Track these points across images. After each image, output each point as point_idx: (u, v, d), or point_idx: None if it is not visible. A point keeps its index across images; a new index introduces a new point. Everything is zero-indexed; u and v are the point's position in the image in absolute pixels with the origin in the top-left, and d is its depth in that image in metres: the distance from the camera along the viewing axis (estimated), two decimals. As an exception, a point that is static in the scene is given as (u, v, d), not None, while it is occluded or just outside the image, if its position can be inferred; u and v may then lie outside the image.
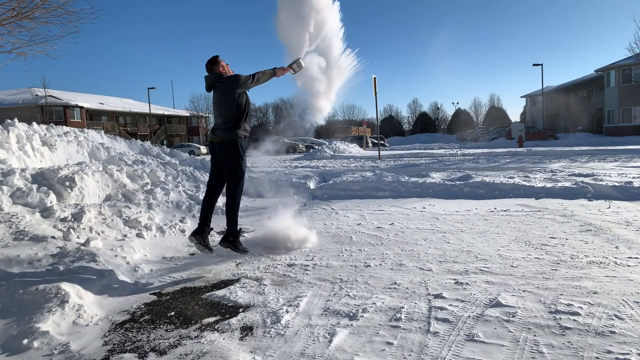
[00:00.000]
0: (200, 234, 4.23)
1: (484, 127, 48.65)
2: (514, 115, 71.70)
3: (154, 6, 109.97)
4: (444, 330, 2.69)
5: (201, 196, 7.04)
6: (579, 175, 9.45)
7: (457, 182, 8.64)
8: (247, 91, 4.33)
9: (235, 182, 4.23)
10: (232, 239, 4.22)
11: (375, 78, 18.24)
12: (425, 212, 6.54)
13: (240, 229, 4.39)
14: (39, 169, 6.13)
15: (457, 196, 7.90)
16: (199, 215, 6.28)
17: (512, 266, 3.82)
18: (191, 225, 5.85)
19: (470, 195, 7.87)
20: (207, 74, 4.28)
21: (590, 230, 4.99)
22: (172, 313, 3.20)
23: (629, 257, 3.90)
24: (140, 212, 5.64)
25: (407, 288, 3.43)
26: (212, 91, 4.33)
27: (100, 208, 5.34)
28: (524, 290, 3.24)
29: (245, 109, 4.28)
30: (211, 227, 4.35)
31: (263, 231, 5.34)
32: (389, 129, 63.36)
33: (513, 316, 2.82)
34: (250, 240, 5.03)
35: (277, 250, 4.73)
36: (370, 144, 37.07)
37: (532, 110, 51.26)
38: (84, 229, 4.76)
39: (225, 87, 4.19)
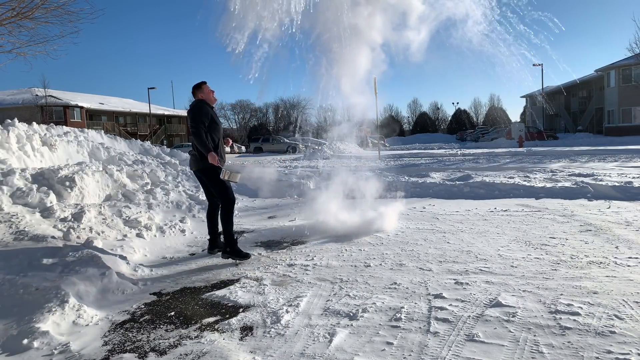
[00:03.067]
0: (214, 245, 4.71)
1: (484, 127, 48.61)
2: (514, 115, 71.66)
3: (154, 6, 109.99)
4: (444, 330, 2.69)
5: (201, 196, 7.06)
6: (579, 175, 9.45)
7: (457, 182, 8.64)
8: (206, 126, 4.33)
9: (224, 206, 4.45)
10: (229, 249, 4.43)
11: (375, 78, 18.26)
12: (425, 212, 6.54)
13: (237, 238, 4.71)
14: (39, 169, 6.13)
15: (457, 196, 7.89)
16: (199, 215, 6.36)
17: (512, 266, 3.82)
18: (191, 225, 5.86)
19: (470, 195, 7.86)
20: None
21: (590, 230, 4.98)
22: (172, 313, 3.21)
23: (629, 257, 3.90)
24: (140, 212, 5.64)
25: (407, 288, 3.43)
26: None
27: (100, 208, 5.34)
28: (524, 290, 3.24)
29: (207, 140, 4.30)
30: (219, 231, 4.72)
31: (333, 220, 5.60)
32: (389, 129, 63.26)
33: (513, 316, 2.82)
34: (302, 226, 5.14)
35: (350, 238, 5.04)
36: (370, 144, 37.02)
37: (532, 110, 51.21)
38: (84, 229, 4.76)
39: (189, 114, 4.42)
